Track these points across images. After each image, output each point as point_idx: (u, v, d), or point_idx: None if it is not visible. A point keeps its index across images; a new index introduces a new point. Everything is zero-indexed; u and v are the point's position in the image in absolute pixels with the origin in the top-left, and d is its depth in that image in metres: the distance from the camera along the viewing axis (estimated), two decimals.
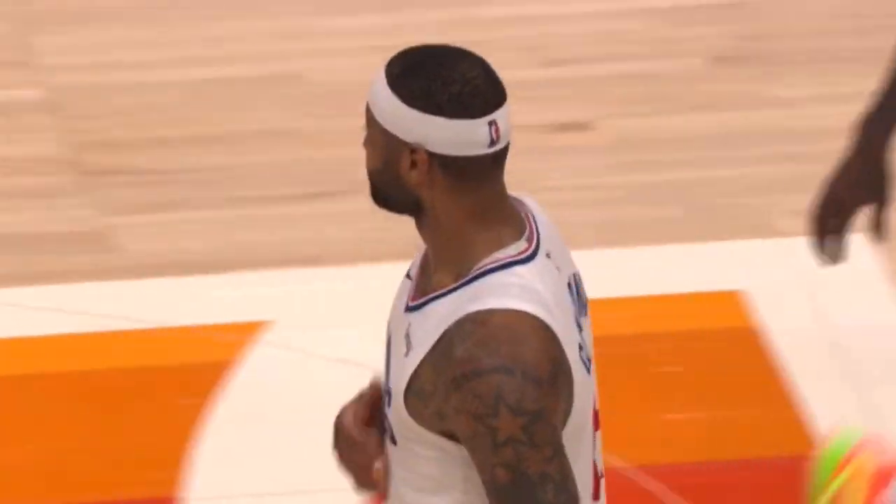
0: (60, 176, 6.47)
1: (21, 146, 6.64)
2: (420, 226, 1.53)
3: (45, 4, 7.38)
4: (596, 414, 1.63)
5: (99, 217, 6.27)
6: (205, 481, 4.92)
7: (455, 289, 1.49)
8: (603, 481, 1.65)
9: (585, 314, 1.63)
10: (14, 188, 6.42)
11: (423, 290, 1.57)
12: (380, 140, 1.49)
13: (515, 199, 1.63)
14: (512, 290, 1.46)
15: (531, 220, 1.58)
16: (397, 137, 1.46)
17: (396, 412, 1.51)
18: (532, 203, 1.65)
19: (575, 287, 1.62)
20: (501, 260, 1.49)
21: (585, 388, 1.53)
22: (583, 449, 1.55)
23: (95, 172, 6.52)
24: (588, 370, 1.55)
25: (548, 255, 1.55)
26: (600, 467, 1.64)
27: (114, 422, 5.25)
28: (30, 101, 6.90)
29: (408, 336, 1.54)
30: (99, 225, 6.23)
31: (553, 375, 1.43)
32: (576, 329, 1.55)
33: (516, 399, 1.39)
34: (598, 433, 1.65)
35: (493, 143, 1.49)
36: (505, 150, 1.53)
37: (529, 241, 1.54)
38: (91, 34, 7.28)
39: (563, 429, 1.47)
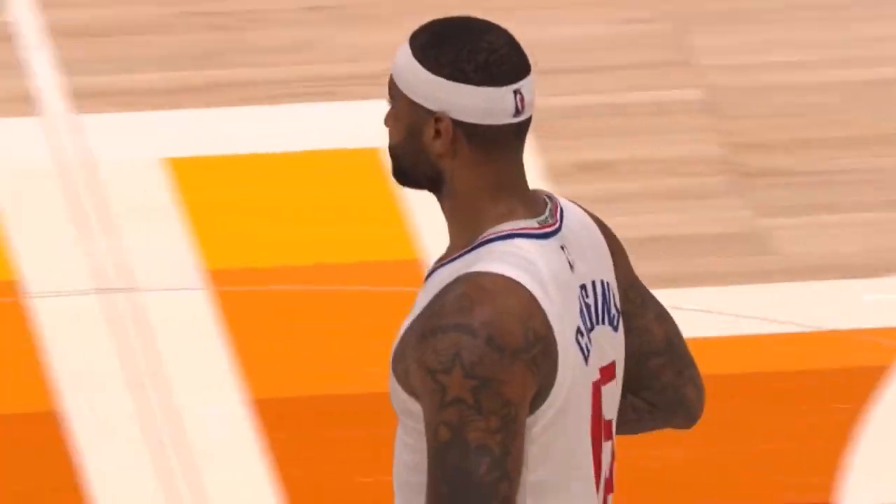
0: (718, 177, 6.58)
1: (679, 147, 6.82)
2: (440, 200, 1.52)
3: (706, 5, 7.51)
4: (602, 423, 1.54)
5: (756, 218, 6.33)
6: (860, 487, 4.92)
7: (458, 257, 1.48)
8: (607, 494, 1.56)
9: (606, 323, 1.55)
10: (671, 189, 6.61)
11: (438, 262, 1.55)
12: (404, 112, 1.48)
13: (548, 194, 1.59)
14: (507, 258, 1.43)
15: (558, 213, 1.54)
16: (422, 107, 1.46)
17: (391, 380, 1.51)
18: (569, 205, 1.61)
19: (594, 292, 1.55)
20: (505, 231, 1.47)
21: (580, 376, 1.46)
22: (566, 441, 1.45)
23: (752, 173, 6.58)
24: (586, 362, 1.47)
25: (562, 248, 1.50)
26: (605, 473, 1.56)
27: (766, 425, 5.31)
28: (689, 101, 7.04)
29: (414, 304, 1.52)
30: (756, 226, 6.30)
31: (524, 347, 1.38)
32: (578, 316, 1.47)
33: (471, 361, 1.35)
34: (610, 443, 1.57)
35: (517, 112, 1.47)
36: (527, 123, 1.50)
37: (543, 225, 1.50)
38: (749, 35, 7.32)
39: (537, 406, 1.41)
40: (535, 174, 6.53)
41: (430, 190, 1.54)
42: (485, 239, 1.48)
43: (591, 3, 7.60)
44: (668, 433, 4.78)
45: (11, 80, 7.10)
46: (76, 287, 5.99)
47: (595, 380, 1.52)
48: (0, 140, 6.86)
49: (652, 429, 1.77)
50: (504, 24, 1.46)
